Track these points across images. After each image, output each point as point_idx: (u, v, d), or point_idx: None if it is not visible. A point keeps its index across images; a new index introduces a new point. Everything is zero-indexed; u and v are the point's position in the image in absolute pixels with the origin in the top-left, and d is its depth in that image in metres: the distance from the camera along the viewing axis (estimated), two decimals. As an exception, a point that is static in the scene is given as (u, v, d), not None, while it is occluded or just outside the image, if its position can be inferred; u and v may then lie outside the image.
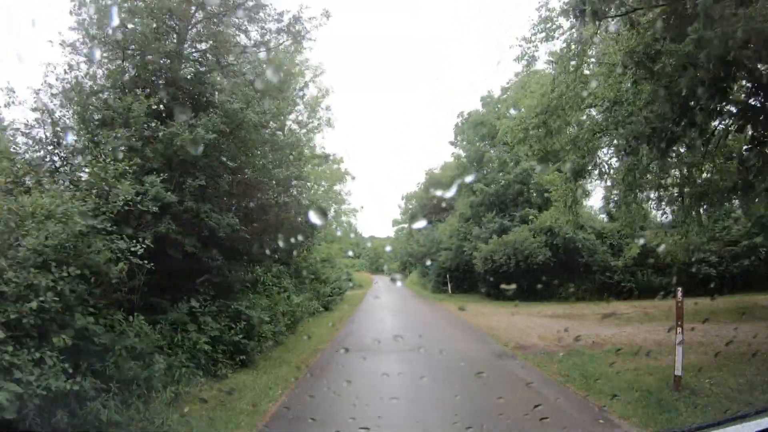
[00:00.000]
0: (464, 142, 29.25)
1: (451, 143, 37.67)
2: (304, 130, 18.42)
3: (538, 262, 23.77)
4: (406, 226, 54.93)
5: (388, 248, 67.26)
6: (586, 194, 16.89)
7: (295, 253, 14.44)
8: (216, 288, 8.95)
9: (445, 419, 5.74)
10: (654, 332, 12.19)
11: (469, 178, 38.31)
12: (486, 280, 24.85)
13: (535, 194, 28.27)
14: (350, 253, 51.96)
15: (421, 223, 43.44)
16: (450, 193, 41.34)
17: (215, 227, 7.74)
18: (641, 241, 25.44)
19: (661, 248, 19.13)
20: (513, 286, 24.19)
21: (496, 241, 24.42)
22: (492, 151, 28.86)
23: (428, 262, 41.06)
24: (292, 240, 12.55)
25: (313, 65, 19.27)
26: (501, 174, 28.10)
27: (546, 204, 29.38)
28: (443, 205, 37.75)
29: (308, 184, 18.83)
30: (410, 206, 55.36)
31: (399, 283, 35.94)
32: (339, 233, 45.82)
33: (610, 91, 12.89)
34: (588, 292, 25.88)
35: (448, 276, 30.12)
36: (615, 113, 12.62)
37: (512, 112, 33.81)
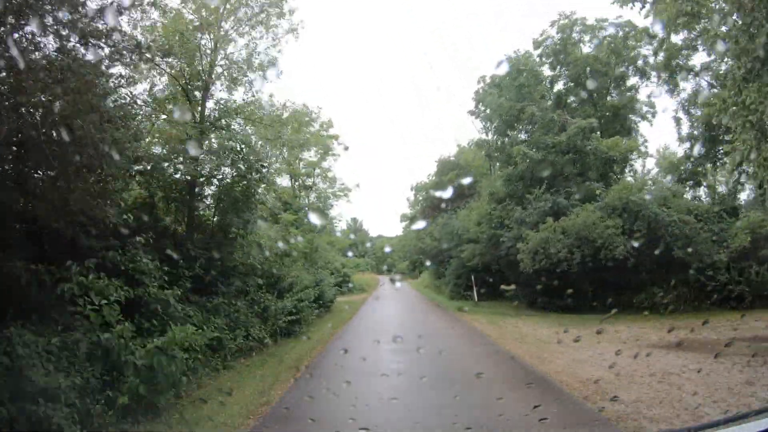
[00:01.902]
0: (500, 98, 21.18)
1: (471, 113, 29.89)
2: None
3: (615, 256, 15.74)
4: (418, 220, 47.70)
5: (387, 249, 59.92)
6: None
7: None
8: None
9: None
10: None
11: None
12: (534, 285, 16.82)
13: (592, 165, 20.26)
14: (350, 254, 44.95)
15: (421, 224, 37.80)
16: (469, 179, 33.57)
17: None
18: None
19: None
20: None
21: (551, 225, 16.43)
22: (534, 109, 20.84)
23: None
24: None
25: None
26: (548, 135, 20.09)
27: (604, 178, 21.42)
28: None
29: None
30: (420, 198, 48.21)
31: (398, 284, 33.21)
32: (339, 233, 38.47)
33: None
34: (681, 300, 17.68)
35: (473, 278, 22.13)
36: None
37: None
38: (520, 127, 21.04)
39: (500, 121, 21.71)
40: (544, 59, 26.99)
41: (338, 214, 21.96)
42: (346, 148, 22.46)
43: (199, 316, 8.36)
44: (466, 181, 32.88)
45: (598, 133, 20.52)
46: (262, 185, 10.05)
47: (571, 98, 26.99)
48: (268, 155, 10.75)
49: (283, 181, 22.54)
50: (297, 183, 21.73)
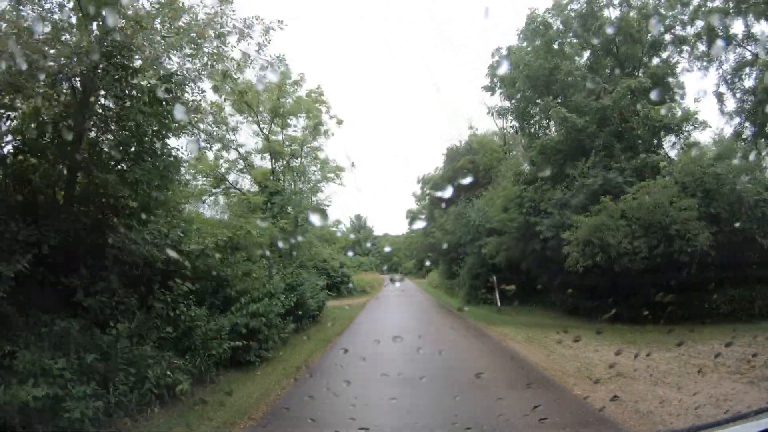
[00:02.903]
0: (527, 55, 16.98)
1: (486, 88, 25.91)
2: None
3: (697, 247, 11.59)
4: (422, 216, 44.29)
5: (387, 249, 57.66)
6: None
7: None
8: None
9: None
10: None
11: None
12: (583, 286, 12.69)
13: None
14: (350, 253, 41.44)
15: (427, 220, 34.36)
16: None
17: None
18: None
19: None
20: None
21: (609, 204, 12.27)
22: (571, 66, 16.74)
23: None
24: None
25: None
26: (591, 99, 15.98)
27: (654, 148, 17.15)
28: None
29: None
30: (427, 191, 44.71)
31: (398, 284, 32.41)
32: (334, 225, 34.82)
33: None
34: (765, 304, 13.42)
35: (495, 279, 18.00)
36: None
37: None
38: (551, 84, 16.81)
39: (527, 84, 17.59)
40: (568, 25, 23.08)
41: (327, 197, 17.94)
42: (340, 122, 18.43)
43: (26, 353, 4.36)
44: (480, 167, 29.05)
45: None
46: (172, 124, 6.00)
47: (596, 75, 23.02)
48: (187, 76, 6.69)
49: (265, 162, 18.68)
50: (279, 163, 17.83)
